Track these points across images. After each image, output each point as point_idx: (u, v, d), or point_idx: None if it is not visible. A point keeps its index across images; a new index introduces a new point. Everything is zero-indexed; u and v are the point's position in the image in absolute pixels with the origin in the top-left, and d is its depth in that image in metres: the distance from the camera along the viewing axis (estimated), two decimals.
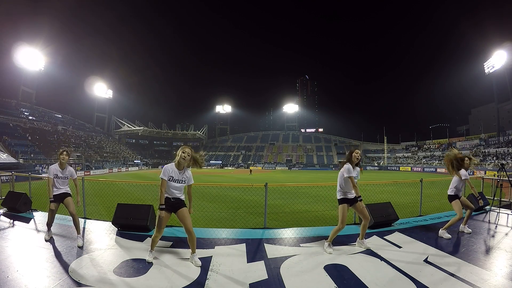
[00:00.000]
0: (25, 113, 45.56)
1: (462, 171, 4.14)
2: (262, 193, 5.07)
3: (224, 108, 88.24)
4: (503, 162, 30.49)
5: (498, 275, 2.74)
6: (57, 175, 3.83)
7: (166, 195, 3.03)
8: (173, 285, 2.56)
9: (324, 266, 3.00)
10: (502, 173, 5.60)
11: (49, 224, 3.85)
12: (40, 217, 5.18)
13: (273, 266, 3.01)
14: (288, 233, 4.28)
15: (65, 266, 2.92)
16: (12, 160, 26.10)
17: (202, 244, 3.74)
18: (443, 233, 4.05)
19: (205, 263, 3.08)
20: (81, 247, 3.53)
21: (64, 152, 3.89)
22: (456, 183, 4.19)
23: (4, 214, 5.28)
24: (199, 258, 3.20)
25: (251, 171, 35.02)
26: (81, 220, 4.94)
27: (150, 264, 3.03)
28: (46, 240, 3.79)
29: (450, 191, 4.26)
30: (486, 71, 48.19)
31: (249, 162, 61.72)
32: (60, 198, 3.85)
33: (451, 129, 70.28)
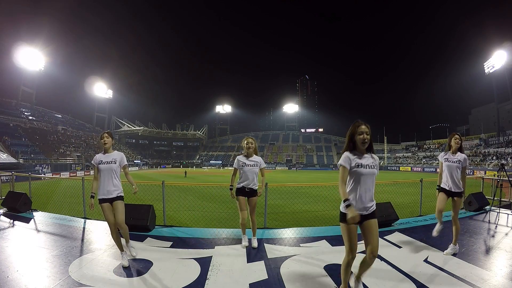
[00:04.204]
0: (25, 113, 45.56)
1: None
2: (262, 193, 5.06)
3: (224, 108, 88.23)
4: (503, 162, 30.49)
5: (498, 275, 2.74)
6: (101, 160, 3.05)
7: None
8: (173, 285, 2.56)
9: (324, 266, 3.00)
10: (502, 173, 5.60)
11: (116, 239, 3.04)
12: (40, 217, 5.18)
13: (273, 266, 3.01)
14: (288, 233, 4.28)
15: (65, 266, 2.92)
16: (12, 160, 26.10)
17: (202, 244, 3.75)
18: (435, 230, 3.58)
19: (205, 263, 3.08)
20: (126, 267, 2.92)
21: (105, 134, 3.12)
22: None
23: (4, 214, 5.28)
24: (199, 258, 3.20)
25: None
26: (81, 220, 4.95)
27: (150, 264, 3.04)
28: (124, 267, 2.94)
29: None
30: (486, 71, 48.20)
31: None
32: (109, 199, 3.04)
33: (451, 129, 70.40)
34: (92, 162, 3.17)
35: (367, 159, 2.17)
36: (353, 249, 2.16)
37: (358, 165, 2.12)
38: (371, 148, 2.22)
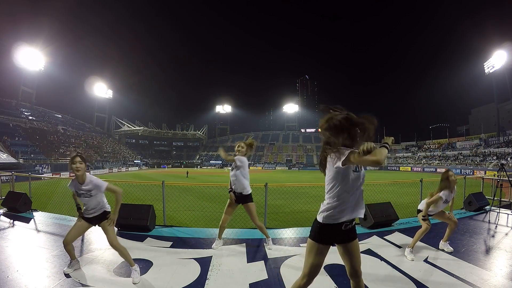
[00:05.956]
0: (25, 113, 45.58)
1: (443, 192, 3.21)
2: (262, 193, 5.06)
3: (224, 108, 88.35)
4: (503, 162, 30.49)
5: (498, 275, 2.74)
6: (76, 192, 2.67)
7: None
8: (173, 285, 2.56)
9: (324, 266, 2.99)
10: (502, 173, 5.60)
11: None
12: (40, 217, 5.17)
13: (273, 266, 3.01)
14: (288, 233, 4.28)
15: (65, 266, 2.92)
16: (12, 160, 26.12)
17: (202, 244, 3.75)
18: (408, 252, 3.28)
19: (205, 263, 3.08)
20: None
21: (77, 158, 2.56)
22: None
23: (4, 214, 5.28)
24: (199, 258, 3.20)
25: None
26: None
27: (150, 264, 3.04)
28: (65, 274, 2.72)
29: (420, 206, 3.47)
30: (486, 71, 48.32)
31: (249, 162, 61.82)
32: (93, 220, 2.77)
33: (451, 129, 70.45)
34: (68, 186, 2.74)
35: None
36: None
37: None
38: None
